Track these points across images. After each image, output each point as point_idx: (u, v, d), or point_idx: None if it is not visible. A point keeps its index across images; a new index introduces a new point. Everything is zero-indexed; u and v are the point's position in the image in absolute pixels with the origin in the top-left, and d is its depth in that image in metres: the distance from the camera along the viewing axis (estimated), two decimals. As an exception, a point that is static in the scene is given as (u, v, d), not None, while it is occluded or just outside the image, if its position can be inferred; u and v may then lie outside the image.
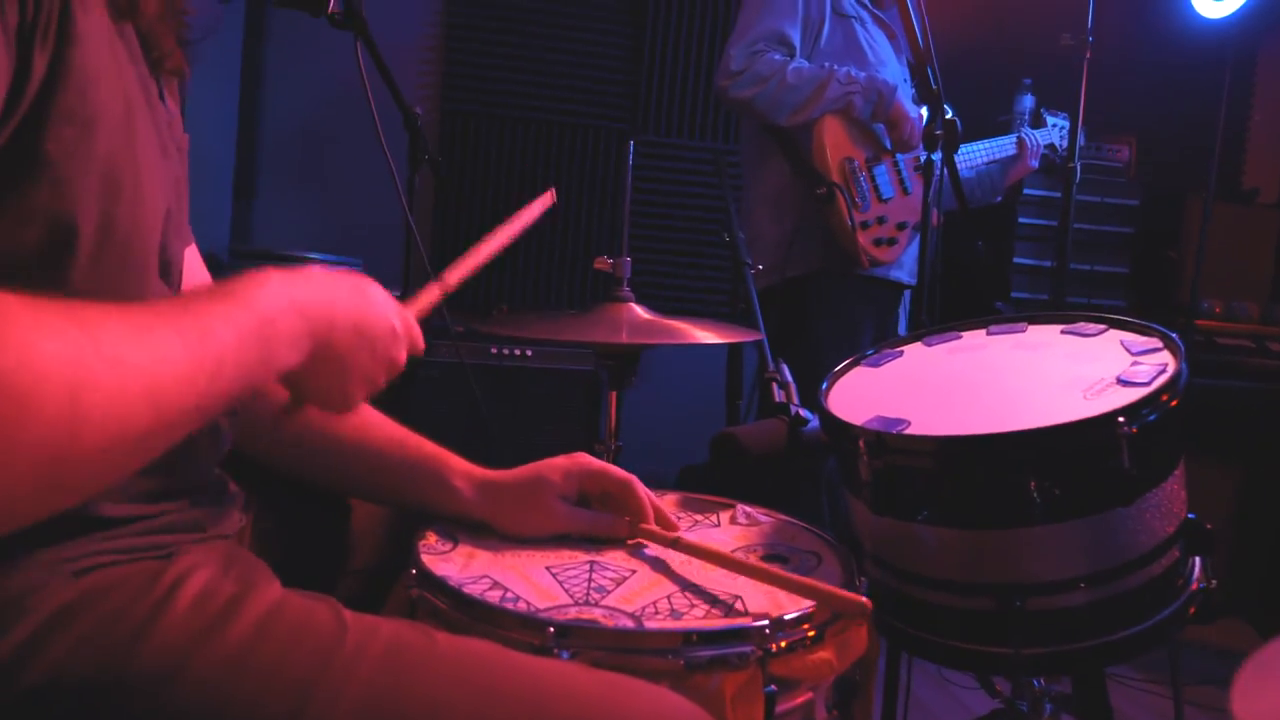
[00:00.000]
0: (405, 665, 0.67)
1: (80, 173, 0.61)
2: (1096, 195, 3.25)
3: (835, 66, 2.26)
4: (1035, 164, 2.67)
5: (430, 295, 0.91)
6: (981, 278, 2.85)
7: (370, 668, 0.65)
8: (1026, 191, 3.19)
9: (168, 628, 0.64)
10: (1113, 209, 3.28)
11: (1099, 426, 0.90)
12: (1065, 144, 2.67)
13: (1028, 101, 3.13)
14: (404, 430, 1.04)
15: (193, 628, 0.65)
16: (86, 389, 0.49)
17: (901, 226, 2.40)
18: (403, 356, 0.80)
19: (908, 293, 2.54)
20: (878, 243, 2.37)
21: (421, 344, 0.83)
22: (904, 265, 2.47)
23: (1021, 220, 3.20)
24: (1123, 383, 0.98)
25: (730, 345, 2.37)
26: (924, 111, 2.37)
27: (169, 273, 0.78)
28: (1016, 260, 3.20)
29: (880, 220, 2.37)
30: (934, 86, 1.59)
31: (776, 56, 2.24)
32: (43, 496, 0.49)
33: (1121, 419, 0.90)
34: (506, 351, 2.96)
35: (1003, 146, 2.61)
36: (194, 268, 0.95)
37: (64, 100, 0.59)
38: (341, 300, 0.72)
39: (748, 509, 1.16)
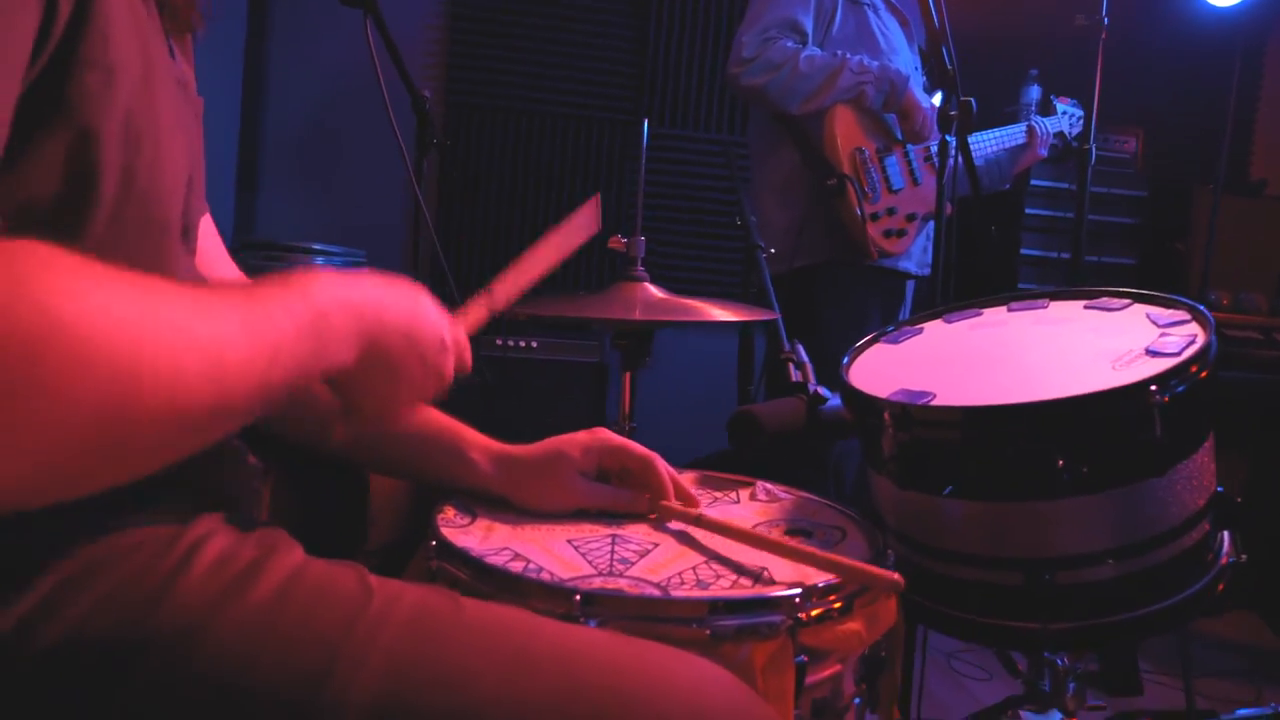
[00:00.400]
0: (432, 630, 0.65)
1: (103, 123, 0.60)
2: (1103, 186, 3.23)
3: (848, 55, 2.24)
4: (1044, 153, 2.66)
5: (478, 313, 0.91)
6: (993, 265, 2.84)
7: (396, 632, 0.64)
8: (1033, 183, 3.18)
9: (186, 590, 0.62)
10: (1119, 200, 3.27)
11: (1131, 395, 0.88)
12: (1074, 131, 2.66)
13: (1034, 93, 3.12)
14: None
15: (212, 590, 0.63)
16: (148, 352, 0.48)
17: (911, 218, 2.39)
18: (451, 370, 0.79)
19: (911, 283, 2.53)
20: (887, 234, 2.35)
21: (470, 362, 0.82)
22: (912, 256, 2.46)
23: (1028, 211, 3.19)
24: (1152, 353, 0.96)
25: (740, 335, 2.36)
26: (936, 100, 2.36)
27: (188, 238, 0.76)
28: (1024, 252, 3.19)
29: (890, 211, 2.36)
30: (949, 67, 1.58)
31: (789, 44, 2.22)
32: (98, 460, 0.48)
33: (1154, 387, 0.88)
34: (511, 343, 2.95)
35: (1013, 135, 2.60)
36: (209, 235, 0.93)
37: (87, 46, 0.57)
38: (393, 305, 0.72)
39: (768, 485, 1.14)
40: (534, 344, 2.98)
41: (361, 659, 0.62)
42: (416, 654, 0.63)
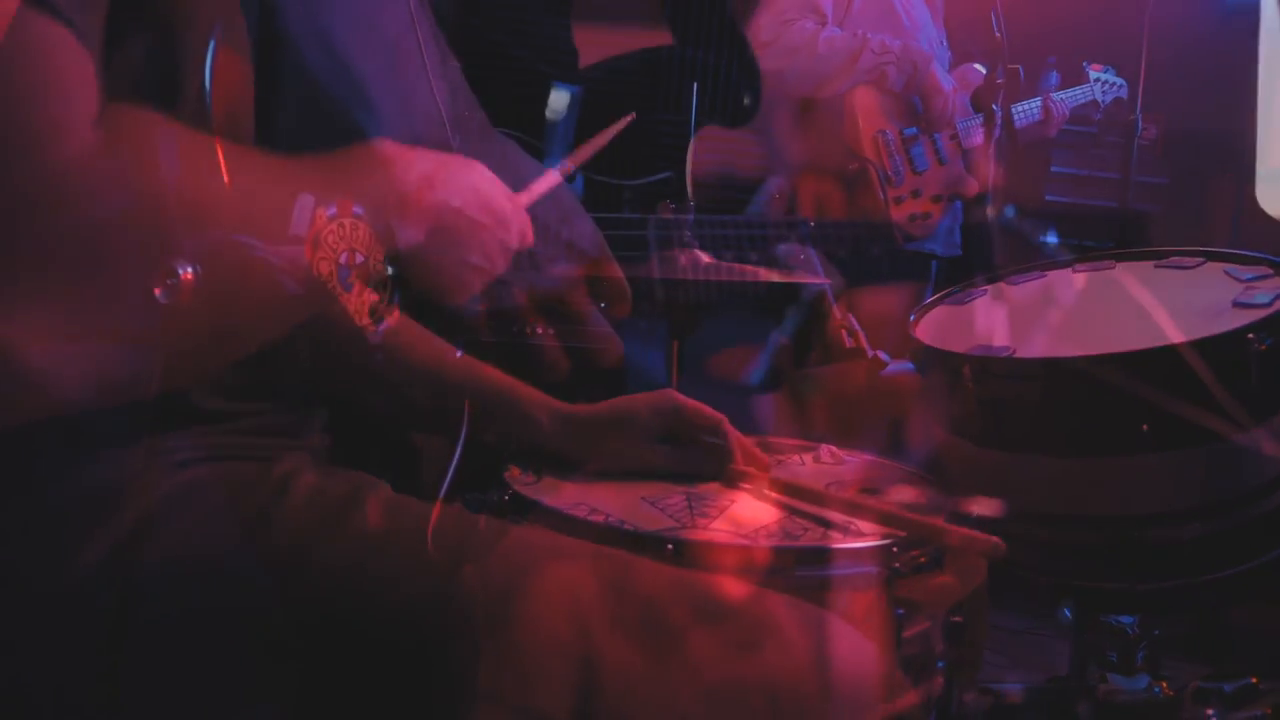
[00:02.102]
0: (538, 560, 0.62)
1: (185, 29, 0.58)
2: (1123, 173, 3.20)
3: (869, 35, 2.20)
4: (1054, 134, 2.64)
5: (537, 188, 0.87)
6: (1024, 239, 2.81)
7: (505, 558, 0.61)
8: (1054, 169, 3.16)
9: (289, 516, 0.60)
10: (1139, 187, 3.24)
11: (1229, 343, 0.86)
12: (1107, 99, 2.63)
13: (1053, 79, 3.09)
14: (476, 361, 0.99)
15: (316, 516, 0.61)
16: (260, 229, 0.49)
17: (937, 199, 2.35)
18: (515, 242, 0.77)
19: (934, 263, 2.49)
20: (912, 219, 2.32)
21: (530, 234, 0.79)
22: (937, 238, 2.42)
23: (1049, 199, 3.16)
24: (1241, 305, 0.93)
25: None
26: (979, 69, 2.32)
27: None
28: (1043, 238, 3.16)
29: (915, 194, 2.32)
30: (997, 34, 1.55)
31: (808, 25, 2.18)
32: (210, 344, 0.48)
33: (1251, 335, 0.85)
34: (527, 330, 2.91)
35: (1029, 112, 2.56)
36: None
37: None
38: (456, 180, 0.70)
39: (832, 449, 1.11)
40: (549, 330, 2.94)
41: (480, 580, 0.59)
42: (527, 581, 0.61)
